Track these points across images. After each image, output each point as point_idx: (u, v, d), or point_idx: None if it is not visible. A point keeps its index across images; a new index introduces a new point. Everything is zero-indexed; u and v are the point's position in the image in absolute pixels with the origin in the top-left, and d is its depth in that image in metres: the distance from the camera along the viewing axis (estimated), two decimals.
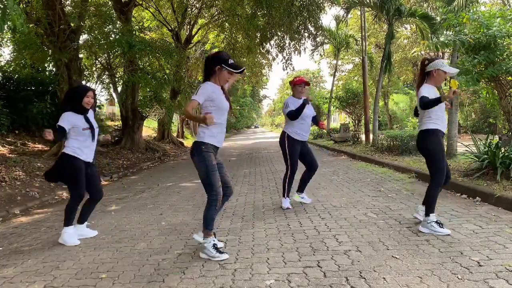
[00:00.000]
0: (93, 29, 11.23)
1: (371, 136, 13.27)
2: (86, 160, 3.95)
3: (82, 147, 3.90)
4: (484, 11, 6.40)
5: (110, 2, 13.32)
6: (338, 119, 35.42)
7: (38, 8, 10.46)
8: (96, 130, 4.04)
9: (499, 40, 5.46)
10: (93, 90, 4.07)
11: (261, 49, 16.89)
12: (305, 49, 21.31)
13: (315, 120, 5.18)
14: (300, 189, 5.24)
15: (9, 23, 5.07)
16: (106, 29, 11.43)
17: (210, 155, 3.25)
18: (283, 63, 16.66)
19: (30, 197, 6.55)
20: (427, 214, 3.64)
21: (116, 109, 26.03)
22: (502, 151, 5.43)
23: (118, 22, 12.05)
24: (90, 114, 4.08)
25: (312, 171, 5.13)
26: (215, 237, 3.33)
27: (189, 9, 17.45)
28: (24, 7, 10.35)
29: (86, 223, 4.21)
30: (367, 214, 4.43)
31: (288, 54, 16.35)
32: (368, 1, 13.03)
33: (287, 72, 53.73)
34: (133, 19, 15.28)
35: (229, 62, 3.29)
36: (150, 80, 12.78)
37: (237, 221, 4.47)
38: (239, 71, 3.34)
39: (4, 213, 5.52)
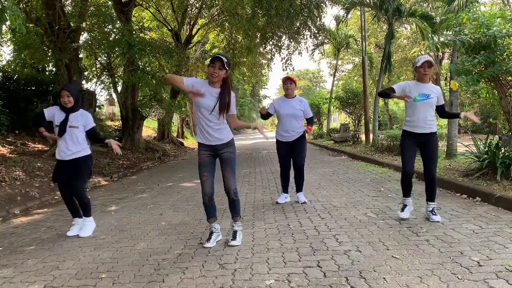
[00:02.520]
0: (93, 29, 11.22)
1: (371, 136, 13.26)
2: (59, 158, 4.09)
3: (58, 145, 4.10)
4: (484, 11, 6.40)
5: (110, 2, 13.31)
6: (338, 119, 35.41)
7: (37, 8, 10.46)
8: (72, 129, 4.06)
9: (499, 40, 5.46)
10: (67, 90, 4.06)
11: (261, 49, 16.88)
12: (307, 48, 21.36)
13: (309, 121, 5.25)
14: (296, 189, 5.32)
15: (8, 23, 5.07)
16: (106, 29, 11.43)
17: (199, 152, 3.56)
18: (282, 63, 16.65)
19: (30, 197, 6.55)
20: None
21: (116, 109, 26.00)
22: (502, 151, 5.43)
23: (118, 22, 12.03)
24: (80, 115, 4.13)
25: (294, 170, 5.20)
26: (216, 226, 3.67)
27: (189, 9, 17.44)
28: (24, 7, 10.35)
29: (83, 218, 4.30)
30: (367, 214, 4.43)
31: (287, 55, 16.35)
32: (368, 1, 13.03)
33: (287, 72, 53.79)
34: (133, 19, 15.28)
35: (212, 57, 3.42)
36: (150, 80, 12.77)
37: None
38: (212, 60, 3.37)
39: (4, 213, 5.52)
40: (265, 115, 5.19)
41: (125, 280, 2.87)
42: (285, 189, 5.31)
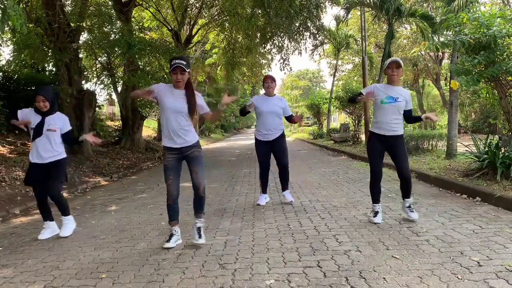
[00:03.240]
0: (93, 29, 11.22)
1: None
2: (34, 161, 4.05)
3: (34, 149, 4.06)
4: (484, 11, 6.39)
5: (110, 2, 13.31)
6: (338, 119, 35.39)
7: (37, 8, 10.46)
8: (50, 132, 4.04)
9: (499, 40, 5.46)
10: (42, 94, 4.04)
11: (261, 49, 16.86)
12: (306, 48, 21.34)
13: (290, 119, 5.25)
14: (282, 188, 5.33)
15: (9, 23, 5.06)
16: (106, 29, 11.43)
17: (166, 156, 3.60)
18: (280, 63, 16.63)
19: (30, 197, 6.54)
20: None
21: (116, 109, 26.00)
22: (502, 151, 5.43)
23: (118, 22, 12.03)
24: (56, 118, 4.11)
25: (279, 168, 5.20)
26: (176, 229, 3.69)
27: (189, 9, 17.43)
28: (24, 7, 10.34)
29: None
30: (367, 214, 4.43)
31: (286, 55, 16.34)
32: (368, 1, 13.03)
33: (285, 73, 53.72)
34: (133, 19, 15.27)
35: (171, 63, 3.45)
36: (150, 80, 12.76)
37: (237, 221, 4.47)
38: (172, 67, 3.43)
39: (4, 213, 5.52)
40: (244, 112, 5.11)
41: (125, 280, 2.87)
42: (264, 190, 5.32)
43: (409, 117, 4.11)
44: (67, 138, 4.24)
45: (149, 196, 6.59)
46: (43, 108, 4.03)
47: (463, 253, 2.99)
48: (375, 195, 4.11)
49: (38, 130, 4.02)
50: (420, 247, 3.19)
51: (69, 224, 4.26)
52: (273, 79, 5.07)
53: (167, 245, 3.55)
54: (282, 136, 5.11)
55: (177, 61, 3.43)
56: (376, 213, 4.07)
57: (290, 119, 5.26)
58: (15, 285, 2.89)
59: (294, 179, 7.57)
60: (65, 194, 7.09)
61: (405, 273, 2.68)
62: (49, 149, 4.06)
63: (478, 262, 2.78)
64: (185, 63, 3.44)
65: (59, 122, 4.14)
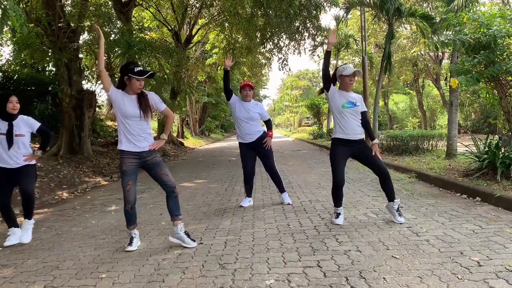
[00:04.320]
0: (93, 29, 11.20)
1: None
2: (3, 166, 3.95)
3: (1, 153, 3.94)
4: (484, 11, 6.39)
5: (110, 2, 13.31)
6: None
7: (38, 8, 10.46)
8: (22, 138, 3.98)
9: (499, 40, 5.46)
10: (16, 95, 3.98)
11: (261, 48, 16.87)
12: (305, 49, 21.31)
13: (267, 124, 5.30)
14: (279, 190, 5.34)
15: (9, 23, 5.06)
16: (106, 29, 11.43)
17: (124, 161, 3.56)
18: (279, 63, 16.62)
19: None
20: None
21: None
22: (502, 151, 5.43)
23: (118, 22, 12.03)
24: (21, 122, 4.02)
25: (268, 171, 5.22)
26: (135, 232, 3.66)
27: (189, 9, 17.43)
28: (24, 7, 10.35)
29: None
30: (367, 214, 4.43)
31: (285, 55, 16.33)
32: (368, 1, 13.02)
33: (284, 72, 53.63)
34: (133, 19, 15.27)
35: (135, 70, 3.42)
36: (150, 80, 12.78)
37: (237, 221, 4.47)
38: (146, 76, 3.46)
39: None
40: (227, 90, 5.06)
41: (125, 280, 2.87)
42: (249, 194, 5.35)
43: (364, 120, 4.09)
44: (44, 133, 4.22)
45: (149, 196, 6.59)
46: (15, 110, 3.94)
47: (463, 253, 2.99)
48: (339, 199, 4.12)
49: (10, 138, 3.91)
50: (420, 247, 3.19)
51: (31, 229, 4.19)
52: (251, 87, 5.12)
53: (130, 248, 3.55)
54: (264, 136, 5.09)
55: (142, 68, 3.47)
56: (338, 215, 4.10)
57: (267, 125, 5.32)
58: (15, 285, 2.89)
59: (294, 179, 7.57)
60: (65, 194, 7.09)
61: (405, 273, 2.68)
62: (19, 154, 3.99)
63: (478, 262, 2.78)
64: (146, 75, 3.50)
65: (25, 126, 4.05)
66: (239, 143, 5.18)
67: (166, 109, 3.80)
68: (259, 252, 3.30)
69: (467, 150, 6.54)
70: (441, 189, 5.68)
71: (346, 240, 3.48)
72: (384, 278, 2.62)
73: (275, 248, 3.38)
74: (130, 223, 3.64)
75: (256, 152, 5.13)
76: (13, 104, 3.94)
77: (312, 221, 4.23)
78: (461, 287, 2.43)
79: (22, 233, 4.10)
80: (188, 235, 3.62)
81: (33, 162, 4.13)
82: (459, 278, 2.55)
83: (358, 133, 4.02)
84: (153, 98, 3.67)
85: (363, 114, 4.07)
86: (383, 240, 3.43)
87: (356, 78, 4.06)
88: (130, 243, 3.61)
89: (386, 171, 4.07)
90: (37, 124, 4.17)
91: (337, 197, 4.12)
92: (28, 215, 4.19)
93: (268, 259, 3.12)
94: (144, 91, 3.63)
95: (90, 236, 4.18)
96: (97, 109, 14.96)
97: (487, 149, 5.63)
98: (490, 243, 3.18)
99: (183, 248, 3.56)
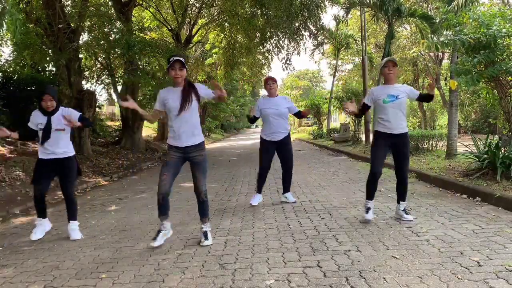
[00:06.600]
0: (93, 29, 11.22)
1: (371, 136, 13.25)
2: (43, 158, 4.06)
3: (41, 146, 4.05)
4: (484, 11, 6.39)
5: (110, 2, 13.31)
6: (338, 119, 35.39)
7: (37, 8, 10.46)
8: (57, 133, 4.03)
9: (499, 40, 5.46)
10: (49, 93, 4.01)
11: (261, 48, 16.86)
12: (305, 49, 21.33)
13: (299, 115, 5.30)
14: (284, 190, 5.36)
15: (5, 26, 5.06)
16: (106, 29, 11.43)
17: (169, 153, 3.64)
18: (282, 63, 16.64)
19: (30, 197, 6.54)
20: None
21: (116, 109, 26.01)
22: (502, 151, 5.43)
23: (118, 22, 12.03)
24: (61, 116, 4.05)
25: (284, 171, 5.24)
26: (164, 228, 3.62)
27: (189, 9, 17.43)
28: (24, 7, 10.35)
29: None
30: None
31: (287, 55, 16.33)
32: (368, 1, 13.02)
33: (288, 72, 53.70)
34: (133, 19, 15.27)
35: (170, 61, 3.46)
36: (150, 80, 12.77)
37: (237, 221, 4.47)
38: (172, 61, 3.44)
39: (4, 213, 5.52)
40: (252, 119, 5.14)
41: (125, 280, 2.87)
42: (260, 190, 5.31)
43: (424, 96, 4.18)
44: (85, 120, 4.31)
45: (149, 196, 6.59)
46: (50, 108, 4.01)
47: (463, 253, 2.99)
48: (372, 192, 4.11)
49: (47, 133, 3.99)
50: (420, 247, 3.19)
51: (77, 229, 4.20)
52: (274, 80, 5.07)
53: (153, 243, 3.52)
54: (288, 136, 5.15)
55: (175, 57, 3.46)
56: (368, 209, 4.07)
57: (298, 115, 5.30)
58: (15, 285, 2.89)
59: (294, 179, 7.53)
60: None
61: (405, 273, 2.68)
62: (59, 146, 4.06)
63: (478, 262, 2.78)
64: (183, 60, 3.48)
65: (58, 120, 4.09)
66: (262, 139, 5.12)
67: (214, 96, 3.66)
68: (259, 252, 3.30)
69: (467, 150, 6.53)
70: (441, 189, 5.68)
71: (346, 240, 3.48)
72: (384, 278, 2.62)
73: (275, 248, 3.38)
74: (160, 213, 3.61)
75: (278, 152, 5.12)
76: (46, 102, 3.98)
77: (312, 221, 4.23)
78: (461, 287, 2.43)
79: (71, 234, 4.11)
80: (205, 234, 3.63)
81: (72, 153, 4.17)
82: (459, 278, 2.55)
83: (400, 127, 3.98)
84: (200, 87, 3.64)
85: (419, 96, 4.12)
86: (383, 240, 3.43)
87: (396, 67, 4.03)
88: (155, 238, 3.57)
89: (404, 176, 4.07)
90: (77, 114, 4.21)
91: (370, 189, 4.10)
92: (71, 216, 4.19)
93: (268, 259, 3.12)
94: (192, 83, 3.62)
95: (90, 236, 4.18)
96: (97, 109, 14.95)
97: (487, 149, 5.62)
98: (490, 243, 3.18)
99: (183, 248, 3.56)
